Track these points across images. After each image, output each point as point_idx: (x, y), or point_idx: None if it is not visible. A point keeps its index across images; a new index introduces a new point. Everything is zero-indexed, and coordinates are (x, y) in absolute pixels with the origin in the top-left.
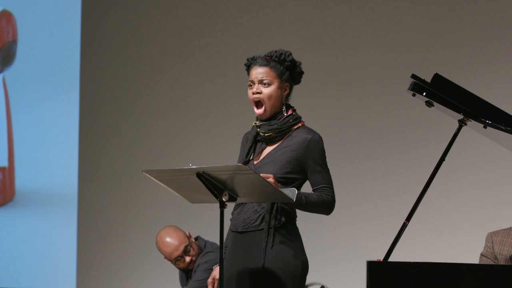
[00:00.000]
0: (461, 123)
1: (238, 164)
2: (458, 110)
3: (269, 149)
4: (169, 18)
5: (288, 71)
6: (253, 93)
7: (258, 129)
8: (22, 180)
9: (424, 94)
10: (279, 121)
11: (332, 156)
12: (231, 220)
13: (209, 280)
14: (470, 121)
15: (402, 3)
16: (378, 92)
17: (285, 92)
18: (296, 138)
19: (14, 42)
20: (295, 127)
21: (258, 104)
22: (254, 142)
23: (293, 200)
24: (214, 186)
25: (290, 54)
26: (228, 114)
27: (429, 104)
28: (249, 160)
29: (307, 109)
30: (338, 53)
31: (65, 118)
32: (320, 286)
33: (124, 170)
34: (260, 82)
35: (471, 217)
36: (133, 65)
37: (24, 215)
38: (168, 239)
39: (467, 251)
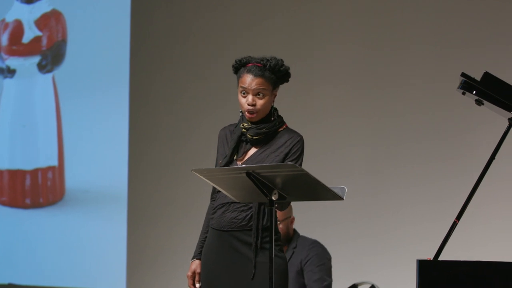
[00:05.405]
0: (511, 121)
1: (289, 163)
2: (508, 109)
3: (253, 149)
4: (218, 16)
5: (279, 79)
6: (249, 104)
7: (246, 131)
8: (71, 179)
9: (474, 92)
10: (267, 125)
11: (386, 159)
12: (212, 219)
13: (189, 273)
14: None
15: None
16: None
17: (274, 98)
18: (280, 139)
19: (63, 41)
20: (280, 129)
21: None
22: (238, 143)
23: (342, 198)
24: (264, 185)
25: (283, 63)
26: None
27: (478, 102)
28: (232, 160)
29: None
30: (390, 52)
31: (114, 117)
32: (370, 285)
33: (173, 168)
34: (255, 93)
35: None
36: (183, 64)
37: (73, 214)
38: None
39: None
